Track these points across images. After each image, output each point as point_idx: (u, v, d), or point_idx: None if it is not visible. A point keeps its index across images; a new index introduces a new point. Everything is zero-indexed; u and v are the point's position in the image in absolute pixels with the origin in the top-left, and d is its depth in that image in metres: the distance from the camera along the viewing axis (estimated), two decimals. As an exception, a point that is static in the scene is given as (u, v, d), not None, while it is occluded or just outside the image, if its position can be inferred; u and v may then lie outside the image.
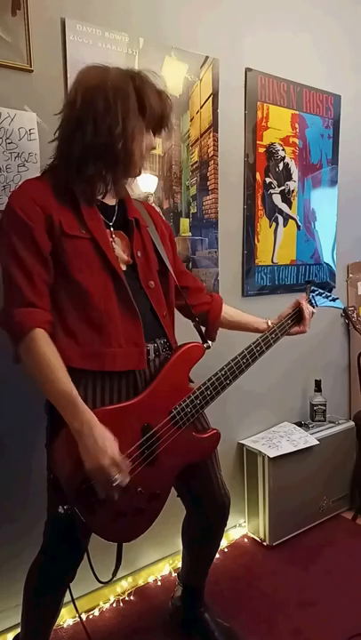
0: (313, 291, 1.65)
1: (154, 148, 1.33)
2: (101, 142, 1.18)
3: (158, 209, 1.87)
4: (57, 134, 1.26)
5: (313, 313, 1.59)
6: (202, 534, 1.61)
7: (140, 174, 1.35)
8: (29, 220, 1.16)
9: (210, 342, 1.46)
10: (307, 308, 1.56)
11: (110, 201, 1.32)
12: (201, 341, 1.45)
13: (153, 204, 1.81)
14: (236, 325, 1.59)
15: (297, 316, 1.56)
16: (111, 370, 1.24)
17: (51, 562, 1.36)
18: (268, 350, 1.49)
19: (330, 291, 1.73)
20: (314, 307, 1.63)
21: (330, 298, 1.71)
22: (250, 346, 1.45)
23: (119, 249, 1.30)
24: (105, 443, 1.13)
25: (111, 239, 1.28)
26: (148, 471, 1.25)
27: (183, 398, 1.33)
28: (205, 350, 1.42)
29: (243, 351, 1.44)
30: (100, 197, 1.27)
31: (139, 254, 1.33)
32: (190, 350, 1.38)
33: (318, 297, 1.66)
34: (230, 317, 1.57)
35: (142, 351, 1.28)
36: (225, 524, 1.59)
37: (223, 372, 1.39)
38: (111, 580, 1.30)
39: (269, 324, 1.56)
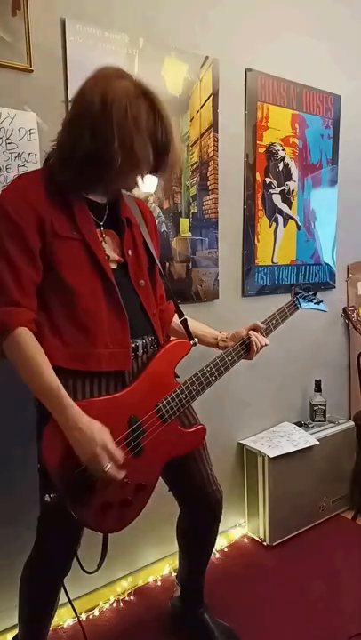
0: (297, 293, 1.68)
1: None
2: (97, 148, 1.15)
3: (158, 209, 1.87)
4: (61, 128, 1.24)
5: (265, 345, 1.54)
6: (196, 531, 1.61)
7: (134, 188, 1.33)
8: (20, 219, 1.15)
9: (196, 340, 1.48)
10: (256, 341, 1.51)
11: (101, 199, 1.31)
12: (188, 338, 1.47)
13: (152, 204, 1.82)
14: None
15: (247, 345, 1.52)
16: (97, 370, 1.26)
17: (43, 555, 1.37)
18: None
19: (314, 294, 1.75)
20: (299, 308, 1.66)
21: (314, 301, 1.73)
22: (236, 341, 1.49)
23: (109, 248, 1.30)
24: (93, 432, 1.15)
25: (101, 239, 1.28)
26: (135, 462, 1.26)
27: (170, 392, 1.35)
28: (192, 347, 1.43)
29: (228, 348, 1.48)
30: (88, 196, 1.27)
31: (129, 253, 1.34)
32: (176, 346, 1.40)
33: (302, 300, 1.69)
34: (178, 327, 1.53)
35: (127, 353, 1.29)
36: (219, 520, 1.60)
37: (209, 369, 1.42)
38: (96, 570, 1.31)
39: (220, 337, 1.56)
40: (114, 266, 1.29)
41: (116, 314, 1.27)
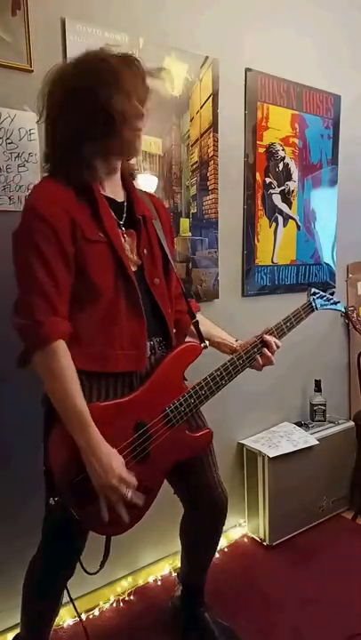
0: (314, 293, 1.64)
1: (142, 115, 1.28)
2: (91, 122, 1.17)
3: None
4: (43, 119, 1.24)
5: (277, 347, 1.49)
6: (200, 533, 1.61)
7: (137, 154, 1.35)
8: (56, 223, 1.14)
9: (207, 342, 1.46)
10: (267, 352, 1.45)
11: (119, 197, 1.32)
12: (198, 341, 1.45)
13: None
14: (206, 339, 1.51)
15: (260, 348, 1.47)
16: (113, 371, 1.26)
17: (47, 558, 1.37)
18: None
19: (332, 294, 1.71)
20: (315, 309, 1.61)
21: (331, 301, 1.70)
22: (248, 346, 1.46)
23: (129, 249, 1.30)
24: (110, 461, 1.15)
25: (123, 239, 1.28)
26: (140, 467, 1.26)
27: (178, 397, 1.33)
28: (202, 350, 1.42)
29: (240, 351, 1.44)
30: (102, 175, 1.27)
31: (145, 252, 1.34)
32: (186, 350, 1.39)
33: (320, 300, 1.65)
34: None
35: (143, 353, 1.30)
36: (223, 523, 1.59)
37: (219, 373, 1.39)
38: (98, 571, 1.31)
39: (236, 345, 1.50)
40: (134, 268, 1.29)
41: (135, 315, 1.27)
